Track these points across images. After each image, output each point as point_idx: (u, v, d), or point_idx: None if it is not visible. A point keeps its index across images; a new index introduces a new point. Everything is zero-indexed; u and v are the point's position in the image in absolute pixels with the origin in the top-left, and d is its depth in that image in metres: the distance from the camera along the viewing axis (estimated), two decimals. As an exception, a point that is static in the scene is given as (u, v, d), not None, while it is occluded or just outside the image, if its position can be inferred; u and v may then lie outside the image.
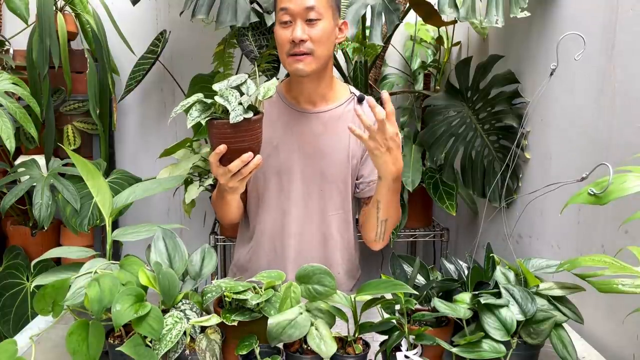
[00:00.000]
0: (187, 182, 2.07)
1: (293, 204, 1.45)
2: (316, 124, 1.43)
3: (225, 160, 1.18)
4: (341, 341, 1.06)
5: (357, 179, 1.48)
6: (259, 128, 1.18)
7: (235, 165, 1.17)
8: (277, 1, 1.34)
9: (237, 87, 1.15)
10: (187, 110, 1.14)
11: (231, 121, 1.09)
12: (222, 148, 1.15)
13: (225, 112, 1.13)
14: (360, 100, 1.47)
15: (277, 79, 1.39)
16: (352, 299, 1.06)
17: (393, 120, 1.22)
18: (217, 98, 1.11)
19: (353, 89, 1.50)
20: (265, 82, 1.18)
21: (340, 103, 1.45)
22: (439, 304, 1.07)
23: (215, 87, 1.15)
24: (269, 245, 1.49)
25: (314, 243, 1.48)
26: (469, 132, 1.97)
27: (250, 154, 1.17)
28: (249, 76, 2.11)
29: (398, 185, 1.34)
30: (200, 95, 1.15)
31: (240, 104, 1.12)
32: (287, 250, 1.47)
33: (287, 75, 1.55)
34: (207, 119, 1.12)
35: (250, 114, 1.12)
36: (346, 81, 2.16)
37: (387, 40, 2.18)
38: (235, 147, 1.16)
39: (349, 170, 1.45)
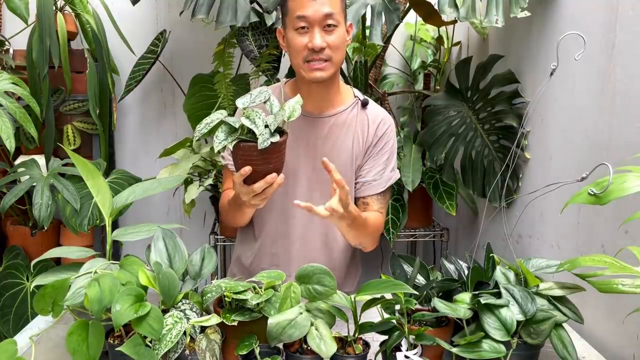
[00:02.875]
0: (187, 182, 2.07)
1: (297, 208, 1.45)
2: (322, 129, 1.43)
3: (249, 180, 1.18)
4: (341, 341, 1.06)
5: (356, 178, 1.48)
6: (284, 149, 1.17)
7: (259, 186, 1.17)
8: (291, 6, 1.32)
9: (263, 103, 1.13)
10: (211, 131, 1.12)
11: (259, 147, 1.08)
12: (248, 170, 1.14)
13: (251, 132, 1.11)
14: (364, 104, 1.46)
15: (282, 79, 1.38)
16: (352, 299, 1.06)
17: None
18: (243, 120, 1.09)
19: (357, 92, 1.50)
20: (288, 100, 1.16)
21: (345, 107, 1.45)
22: (439, 304, 1.07)
23: (239, 103, 1.13)
24: (272, 248, 1.49)
25: (318, 245, 1.48)
26: (469, 132, 1.97)
27: (274, 175, 1.17)
28: (250, 77, 2.12)
29: (356, 224, 1.34)
30: (223, 113, 1.12)
31: (267, 126, 1.10)
32: (291, 252, 1.48)
33: (287, 75, 1.55)
34: (234, 141, 1.11)
35: (277, 137, 1.11)
36: (346, 81, 2.16)
37: (387, 40, 2.18)
38: (261, 169, 1.15)
39: (352, 174, 1.45)
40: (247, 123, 1.09)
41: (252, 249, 1.53)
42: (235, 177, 1.18)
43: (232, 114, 1.31)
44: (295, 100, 1.15)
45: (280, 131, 1.14)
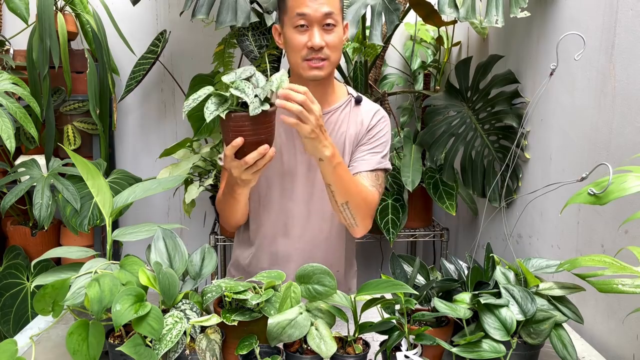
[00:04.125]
0: (187, 182, 2.07)
1: (295, 206, 1.45)
2: None
3: (240, 153, 1.17)
4: (341, 341, 1.06)
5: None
6: (274, 120, 1.17)
7: (252, 157, 1.16)
8: (290, 4, 1.32)
9: (247, 79, 1.14)
10: (202, 103, 1.11)
11: (251, 114, 1.08)
12: (240, 141, 1.14)
13: (241, 105, 1.12)
14: (357, 101, 1.47)
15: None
16: (352, 299, 1.06)
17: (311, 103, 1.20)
18: (232, 90, 1.09)
19: (350, 89, 1.50)
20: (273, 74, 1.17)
21: (339, 105, 1.45)
22: (439, 304, 1.07)
23: (225, 79, 1.13)
24: (271, 247, 1.49)
25: (316, 243, 1.48)
26: (469, 132, 1.97)
27: (266, 146, 1.16)
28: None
29: (342, 168, 1.30)
30: (210, 89, 1.13)
31: (257, 96, 1.10)
32: (290, 251, 1.48)
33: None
34: (225, 111, 1.11)
35: (267, 106, 1.11)
36: (346, 81, 2.17)
37: (387, 40, 2.18)
38: (252, 140, 1.15)
39: None
40: (237, 93, 1.09)
41: (251, 249, 1.53)
42: (226, 150, 1.17)
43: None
44: (281, 73, 1.15)
45: (269, 103, 1.14)
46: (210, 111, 1.10)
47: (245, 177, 1.21)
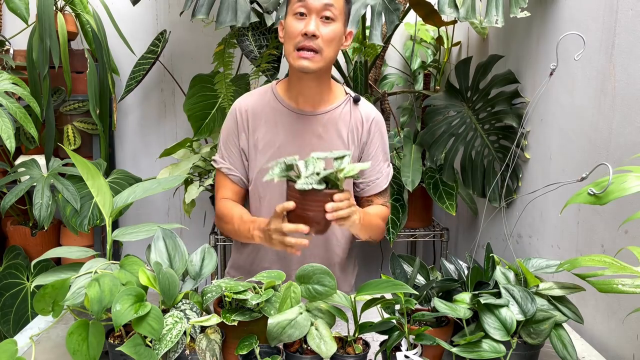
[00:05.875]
0: (187, 182, 2.07)
1: None
2: (316, 126, 1.43)
3: (287, 217, 1.18)
4: (341, 341, 1.06)
5: (356, 179, 1.48)
6: (325, 201, 1.14)
7: (288, 227, 1.16)
8: None
9: (338, 158, 1.14)
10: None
11: (296, 186, 1.09)
12: (291, 205, 1.14)
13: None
14: (355, 100, 1.47)
15: (277, 78, 1.38)
16: (352, 299, 1.06)
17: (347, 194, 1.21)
18: (299, 162, 1.12)
19: (348, 89, 1.51)
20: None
21: (337, 104, 1.45)
22: (439, 304, 1.07)
23: (314, 153, 1.15)
24: (271, 248, 1.49)
25: (316, 243, 1.48)
26: (469, 132, 1.97)
27: (304, 227, 1.14)
28: (250, 77, 2.12)
29: (364, 219, 1.33)
30: (295, 157, 1.15)
31: (318, 174, 1.11)
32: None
33: (287, 76, 1.55)
34: (282, 177, 1.12)
35: (322, 186, 1.10)
36: (346, 81, 2.17)
37: (387, 40, 2.18)
38: (298, 213, 1.15)
39: None
40: (300, 165, 1.12)
41: (249, 249, 1.53)
42: (278, 207, 1.17)
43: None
44: (362, 165, 1.16)
45: (333, 186, 1.14)
46: (272, 174, 1.12)
47: (272, 236, 1.21)
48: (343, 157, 1.14)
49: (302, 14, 1.31)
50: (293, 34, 1.32)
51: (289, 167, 1.13)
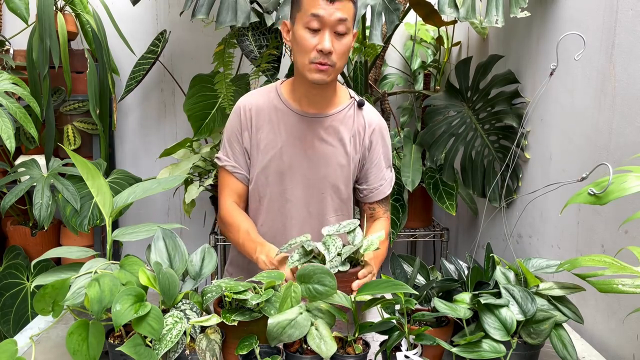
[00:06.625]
0: (187, 182, 2.07)
1: (294, 207, 1.45)
2: (319, 128, 1.43)
3: None
4: (341, 341, 1.06)
5: (360, 184, 1.49)
6: (353, 280, 1.19)
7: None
8: (305, 3, 1.31)
9: (350, 232, 1.20)
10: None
11: None
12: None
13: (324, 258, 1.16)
14: (360, 105, 1.46)
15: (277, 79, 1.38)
16: (352, 299, 1.06)
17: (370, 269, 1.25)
18: (318, 245, 1.15)
19: (352, 92, 1.50)
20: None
21: (342, 108, 1.45)
22: (439, 304, 1.07)
23: (325, 230, 1.19)
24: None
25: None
26: (469, 132, 1.97)
27: None
28: (250, 77, 2.12)
29: (376, 259, 1.37)
30: (308, 237, 1.20)
31: (340, 254, 1.15)
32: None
33: (288, 76, 1.55)
34: (304, 263, 1.15)
35: (346, 267, 1.15)
36: (346, 81, 2.17)
37: (387, 40, 2.18)
38: None
39: (349, 174, 1.46)
40: (321, 248, 1.14)
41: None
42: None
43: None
44: (376, 236, 1.20)
45: (354, 263, 1.18)
46: (293, 260, 1.17)
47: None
48: (354, 229, 1.19)
49: (315, 29, 1.30)
50: (307, 48, 1.31)
51: (309, 252, 1.17)
